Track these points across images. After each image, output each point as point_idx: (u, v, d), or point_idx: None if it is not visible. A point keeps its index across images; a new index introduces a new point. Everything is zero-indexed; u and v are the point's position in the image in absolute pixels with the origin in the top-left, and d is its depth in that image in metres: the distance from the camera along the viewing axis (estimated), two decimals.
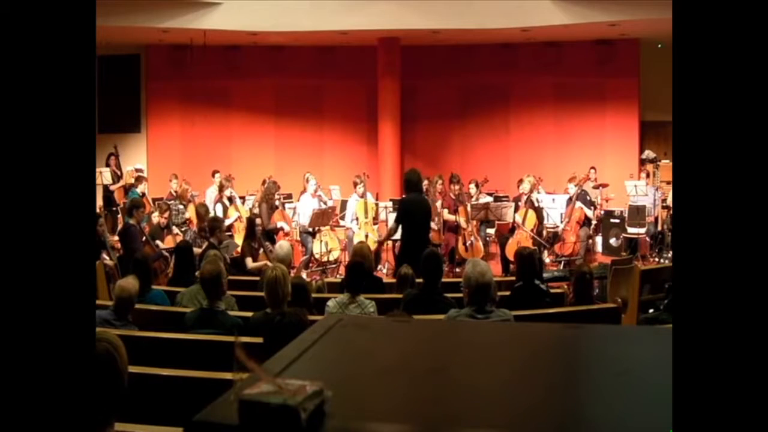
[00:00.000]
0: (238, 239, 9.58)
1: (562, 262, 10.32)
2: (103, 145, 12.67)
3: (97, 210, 10.30)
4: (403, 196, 8.44)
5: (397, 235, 8.54)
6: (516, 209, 10.46)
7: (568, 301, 6.14)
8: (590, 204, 10.96)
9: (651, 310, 5.92)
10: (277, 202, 10.67)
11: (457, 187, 10.69)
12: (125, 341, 2.27)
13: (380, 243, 9.57)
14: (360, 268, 5.32)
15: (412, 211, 7.87)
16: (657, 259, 11.07)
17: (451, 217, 10.46)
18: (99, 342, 2.01)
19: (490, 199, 11.49)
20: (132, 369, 2.40)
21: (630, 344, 1.68)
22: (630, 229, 11.45)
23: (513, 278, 6.63)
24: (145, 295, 5.48)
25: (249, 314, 4.83)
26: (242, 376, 1.19)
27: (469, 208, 10.44)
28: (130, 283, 4.76)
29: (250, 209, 10.69)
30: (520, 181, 10.88)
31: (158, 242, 8.90)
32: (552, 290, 6.18)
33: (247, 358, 1.20)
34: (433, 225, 10.45)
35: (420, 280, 5.63)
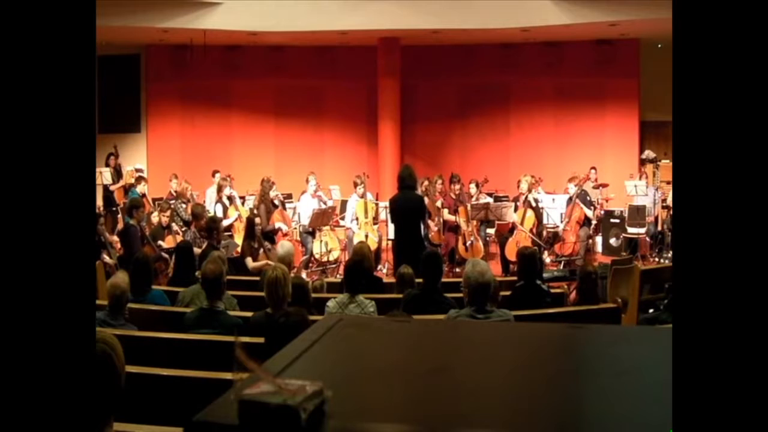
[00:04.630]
0: (238, 239, 9.57)
1: (562, 262, 10.32)
2: (103, 145, 12.66)
3: (97, 210, 10.28)
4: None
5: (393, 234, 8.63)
6: (516, 209, 10.46)
7: (571, 301, 6.14)
8: (590, 204, 10.95)
9: (651, 310, 5.92)
10: (276, 201, 10.66)
11: (457, 187, 10.69)
12: (125, 341, 2.27)
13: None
14: (359, 268, 5.32)
15: (396, 209, 8.09)
16: (657, 259, 11.07)
17: (451, 217, 10.46)
18: (96, 342, 2.00)
19: (490, 199, 11.48)
20: (132, 369, 2.39)
21: (630, 344, 1.68)
22: (630, 229, 11.45)
23: (513, 278, 6.63)
24: (145, 295, 5.47)
25: (249, 314, 4.83)
26: (242, 376, 1.19)
27: (469, 208, 10.43)
28: (121, 278, 4.72)
29: (250, 209, 10.68)
30: (520, 181, 10.88)
31: (159, 242, 8.91)
32: (552, 290, 6.18)
33: (247, 358, 1.20)
34: (432, 225, 10.48)
35: (420, 280, 5.63)
